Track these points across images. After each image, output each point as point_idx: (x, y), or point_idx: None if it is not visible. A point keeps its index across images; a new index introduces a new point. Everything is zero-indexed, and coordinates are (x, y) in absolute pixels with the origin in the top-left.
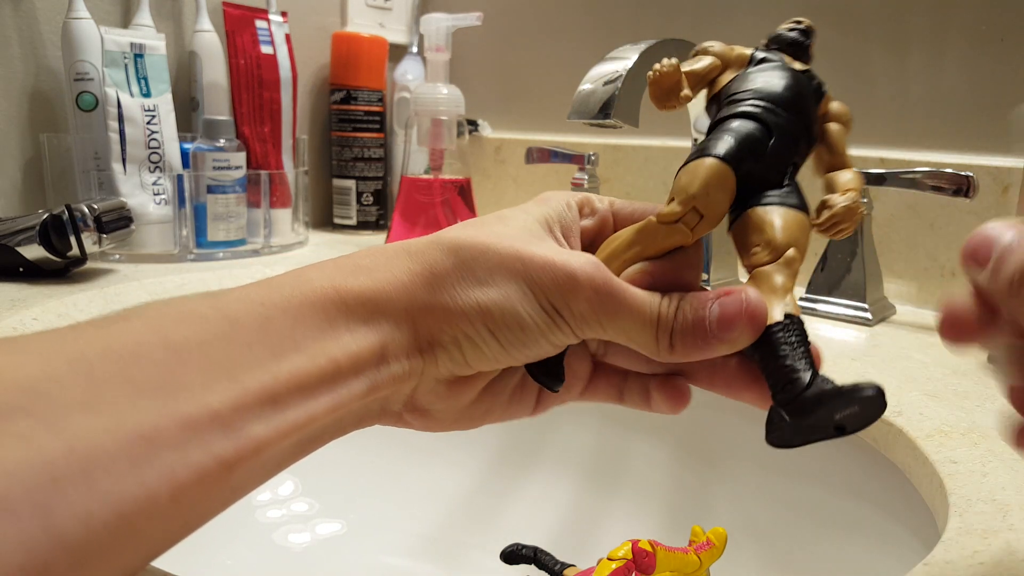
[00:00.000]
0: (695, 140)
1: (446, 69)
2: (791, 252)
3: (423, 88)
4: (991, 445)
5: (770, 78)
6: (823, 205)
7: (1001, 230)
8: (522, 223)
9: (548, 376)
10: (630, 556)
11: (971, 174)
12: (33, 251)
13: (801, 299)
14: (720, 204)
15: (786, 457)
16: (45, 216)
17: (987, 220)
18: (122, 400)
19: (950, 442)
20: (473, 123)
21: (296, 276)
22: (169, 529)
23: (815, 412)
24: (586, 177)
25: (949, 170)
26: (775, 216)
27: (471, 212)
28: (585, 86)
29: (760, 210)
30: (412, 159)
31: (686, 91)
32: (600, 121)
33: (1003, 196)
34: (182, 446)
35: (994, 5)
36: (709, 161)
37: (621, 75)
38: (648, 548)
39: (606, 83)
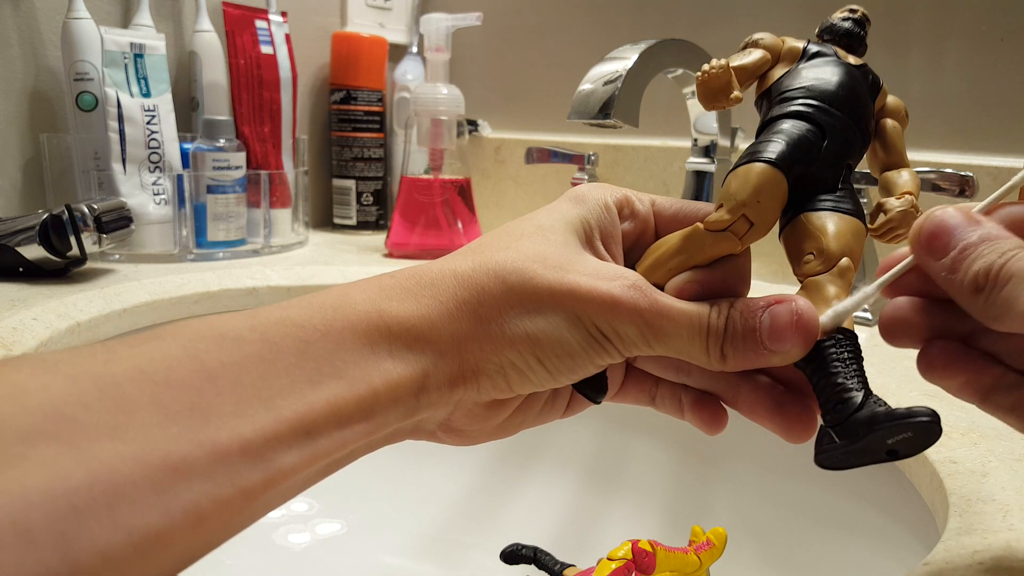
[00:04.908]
0: (695, 140)
1: (446, 69)
2: (845, 261)
3: (423, 88)
4: (991, 445)
5: (823, 74)
6: (879, 209)
7: (963, 226)
8: (562, 237)
9: (592, 389)
10: (630, 556)
11: (971, 174)
12: (33, 251)
13: None
14: (771, 211)
15: (786, 457)
16: (45, 216)
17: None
18: (151, 426)
19: (950, 442)
20: (473, 123)
21: (339, 297)
22: (186, 554)
23: (866, 436)
24: (586, 177)
25: (949, 170)
26: (829, 222)
27: (471, 212)
28: (585, 86)
29: (813, 216)
30: (412, 159)
31: (736, 92)
32: (600, 121)
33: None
34: (210, 477)
35: (994, 5)
36: (760, 167)
37: (621, 75)
38: (648, 548)
39: (606, 83)
